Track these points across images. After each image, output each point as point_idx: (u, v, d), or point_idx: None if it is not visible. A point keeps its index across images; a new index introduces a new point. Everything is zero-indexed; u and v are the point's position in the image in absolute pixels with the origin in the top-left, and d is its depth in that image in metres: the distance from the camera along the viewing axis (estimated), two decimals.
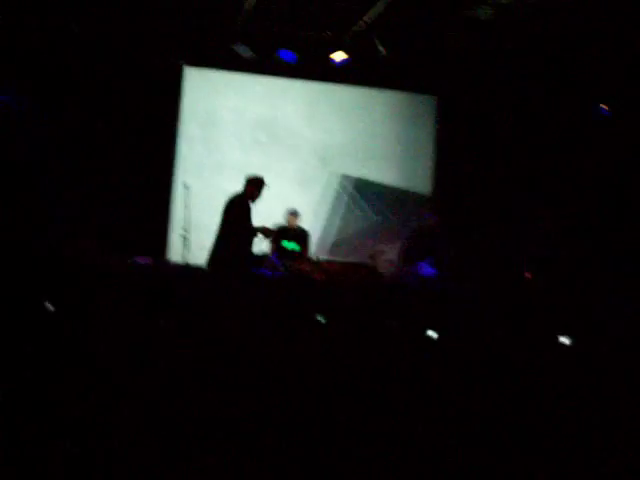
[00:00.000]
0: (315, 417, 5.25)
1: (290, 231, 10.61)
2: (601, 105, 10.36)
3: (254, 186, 9.68)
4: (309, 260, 10.16)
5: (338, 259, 10.76)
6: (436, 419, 5.43)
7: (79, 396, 5.13)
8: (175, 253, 10.83)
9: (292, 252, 10.43)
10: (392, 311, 8.77)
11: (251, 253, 9.60)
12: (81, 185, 11.05)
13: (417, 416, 5.44)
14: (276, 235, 10.18)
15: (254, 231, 9.49)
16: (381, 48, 11.01)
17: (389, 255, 10.87)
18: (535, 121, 11.84)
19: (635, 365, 7.02)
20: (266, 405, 5.33)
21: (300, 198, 11.53)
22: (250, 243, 9.57)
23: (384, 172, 12.73)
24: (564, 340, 8.34)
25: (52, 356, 5.94)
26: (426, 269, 10.38)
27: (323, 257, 10.00)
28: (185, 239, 9.60)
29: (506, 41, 10.96)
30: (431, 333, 8.27)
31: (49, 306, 7.20)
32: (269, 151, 12.32)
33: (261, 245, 10.37)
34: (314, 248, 11.09)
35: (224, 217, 9.57)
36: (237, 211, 9.54)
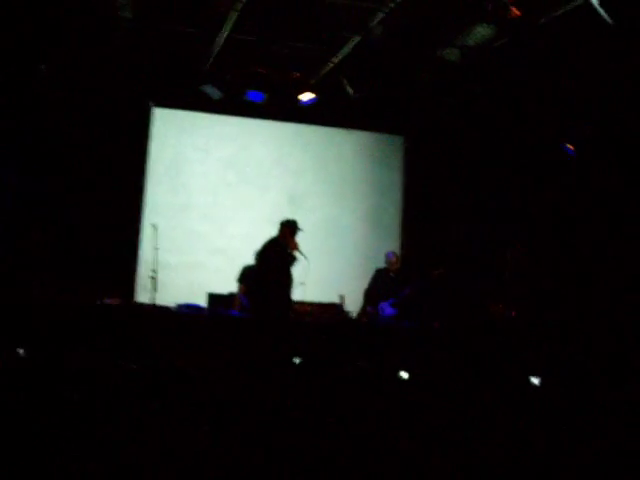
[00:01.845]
0: (288, 457, 5.21)
1: None
2: (566, 144, 10.47)
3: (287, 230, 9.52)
4: None
5: (307, 300, 10.73)
6: (409, 459, 5.41)
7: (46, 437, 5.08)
8: (143, 294, 10.76)
9: None
10: (362, 351, 8.77)
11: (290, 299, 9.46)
12: (49, 226, 10.97)
13: (391, 457, 5.42)
14: (245, 275, 10.11)
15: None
16: (349, 89, 11.08)
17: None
18: (502, 161, 11.95)
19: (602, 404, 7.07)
20: (239, 449, 5.29)
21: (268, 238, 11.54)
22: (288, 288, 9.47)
23: (353, 211, 12.77)
24: (534, 380, 8.37)
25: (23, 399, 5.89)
26: (387, 310, 10.41)
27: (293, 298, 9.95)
28: (153, 280, 9.54)
29: (473, 82, 11.08)
30: (403, 374, 8.29)
31: (20, 351, 7.14)
32: (238, 191, 12.32)
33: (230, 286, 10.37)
34: None
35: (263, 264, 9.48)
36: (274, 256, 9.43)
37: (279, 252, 9.43)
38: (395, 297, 10.42)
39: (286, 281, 9.37)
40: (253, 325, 8.98)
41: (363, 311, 10.69)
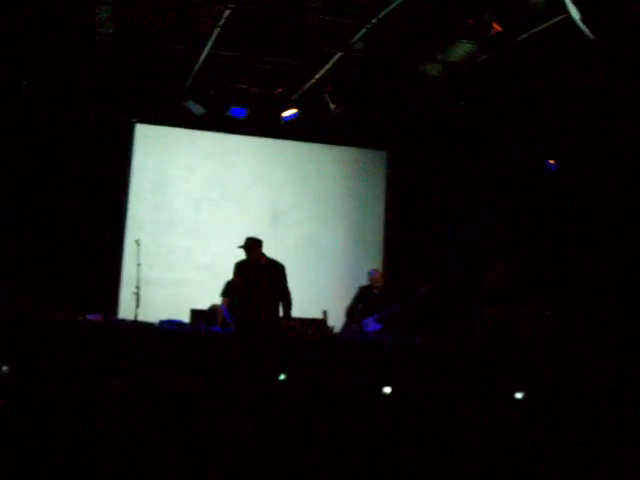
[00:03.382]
0: (273, 473, 5.19)
1: None
2: (549, 160, 10.55)
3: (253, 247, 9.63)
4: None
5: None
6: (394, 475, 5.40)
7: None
8: (126, 309, 10.71)
9: None
10: (345, 367, 8.76)
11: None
12: (32, 241, 10.93)
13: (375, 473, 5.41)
14: (229, 290, 10.09)
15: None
16: (331, 104, 11.10)
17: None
18: (485, 176, 12.00)
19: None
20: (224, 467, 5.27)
21: None
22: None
23: (335, 227, 12.77)
24: (518, 395, 8.38)
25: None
26: (372, 325, 10.40)
27: None
28: (137, 296, 9.50)
29: (455, 97, 11.14)
30: (386, 389, 8.28)
31: (4, 368, 7.09)
32: (220, 207, 12.30)
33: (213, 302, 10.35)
34: None
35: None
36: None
37: (247, 271, 9.54)
38: (379, 313, 10.41)
39: (267, 296, 9.44)
40: (236, 341, 8.96)
41: (347, 328, 10.67)
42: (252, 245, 9.60)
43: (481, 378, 8.73)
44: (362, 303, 10.66)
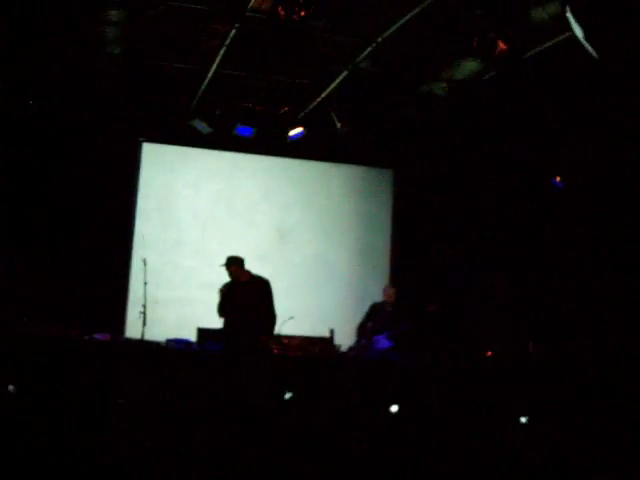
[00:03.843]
0: None
1: None
2: (555, 178, 10.54)
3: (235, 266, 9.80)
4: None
5: (296, 333, 10.68)
6: None
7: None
8: (133, 328, 10.70)
9: None
10: (352, 385, 8.73)
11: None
12: (39, 260, 10.95)
13: None
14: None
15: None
16: (338, 123, 11.12)
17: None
18: (491, 194, 11.99)
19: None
20: None
21: (258, 272, 11.50)
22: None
23: (342, 246, 12.77)
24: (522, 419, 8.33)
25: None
26: (383, 342, 10.37)
27: (282, 331, 9.90)
28: (143, 315, 9.49)
29: (460, 115, 11.15)
30: (393, 408, 8.25)
31: (11, 388, 7.09)
32: (227, 226, 12.32)
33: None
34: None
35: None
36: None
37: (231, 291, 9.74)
38: (390, 330, 10.39)
39: (252, 314, 9.52)
40: (235, 360, 8.96)
41: (357, 345, 10.64)
42: (231, 264, 9.80)
43: (487, 398, 8.68)
44: (373, 320, 10.65)
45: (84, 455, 5.68)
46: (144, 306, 9.53)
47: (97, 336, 9.28)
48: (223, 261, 9.73)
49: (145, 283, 9.65)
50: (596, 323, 9.87)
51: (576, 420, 7.85)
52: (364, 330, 10.68)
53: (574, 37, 7.57)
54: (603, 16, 7.56)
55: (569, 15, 7.56)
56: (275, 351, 9.00)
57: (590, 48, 7.38)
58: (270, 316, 9.63)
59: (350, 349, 10.56)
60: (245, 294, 9.69)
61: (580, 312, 10.26)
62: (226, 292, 9.79)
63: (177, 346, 9.34)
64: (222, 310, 9.98)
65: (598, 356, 9.37)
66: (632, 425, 7.49)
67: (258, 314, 9.59)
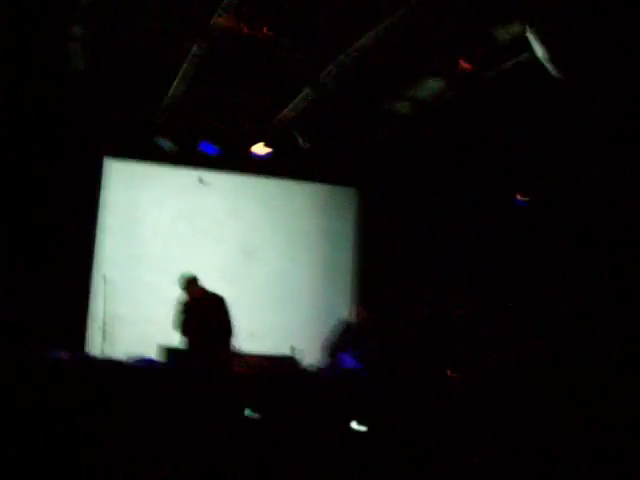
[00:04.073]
0: None
1: None
2: (517, 196, 10.62)
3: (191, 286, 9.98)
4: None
5: (257, 352, 10.64)
6: None
7: None
8: (94, 346, 10.62)
9: None
10: (316, 404, 8.70)
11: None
12: None
13: None
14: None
15: None
16: (301, 141, 11.13)
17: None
18: (455, 212, 12.05)
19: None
20: None
21: (223, 291, 11.46)
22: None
23: (306, 263, 12.77)
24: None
25: None
26: (348, 361, 10.33)
27: (242, 349, 9.86)
28: (104, 332, 9.44)
29: (424, 134, 11.22)
30: (355, 426, 8.22)
31: None
32: (191, 243, 12.26)
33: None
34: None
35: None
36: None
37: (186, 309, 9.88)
38: (356, 349, 10.35)
39: (207, 331, 9.54)
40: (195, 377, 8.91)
41: (322, 363, 10.60)
42: (188, 285, 10.02)
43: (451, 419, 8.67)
44: (340, 338, 10.61)
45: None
46: (103, 322, 9.50)
47: (57, 354, 9.19)
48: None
49: (105, 300, 9.61)
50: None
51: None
52: (329, 348, 10.64)
53: (535, 57, 7.66)
54: (567, 36, 7.65)
55: (530, 35, 7.65)
56: (235, 368, 8.95)
57: (551, 67, 7.47)
58: (227, 332, 9.66)
59: (312, 367, 10.53)
60: (200, 310, 9.73)
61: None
62: (181, 309, 9.80)
63: (138, 364, 9.27)
64: (177, 326, 10.00)
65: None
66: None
67: (214, 330, 9.59)
